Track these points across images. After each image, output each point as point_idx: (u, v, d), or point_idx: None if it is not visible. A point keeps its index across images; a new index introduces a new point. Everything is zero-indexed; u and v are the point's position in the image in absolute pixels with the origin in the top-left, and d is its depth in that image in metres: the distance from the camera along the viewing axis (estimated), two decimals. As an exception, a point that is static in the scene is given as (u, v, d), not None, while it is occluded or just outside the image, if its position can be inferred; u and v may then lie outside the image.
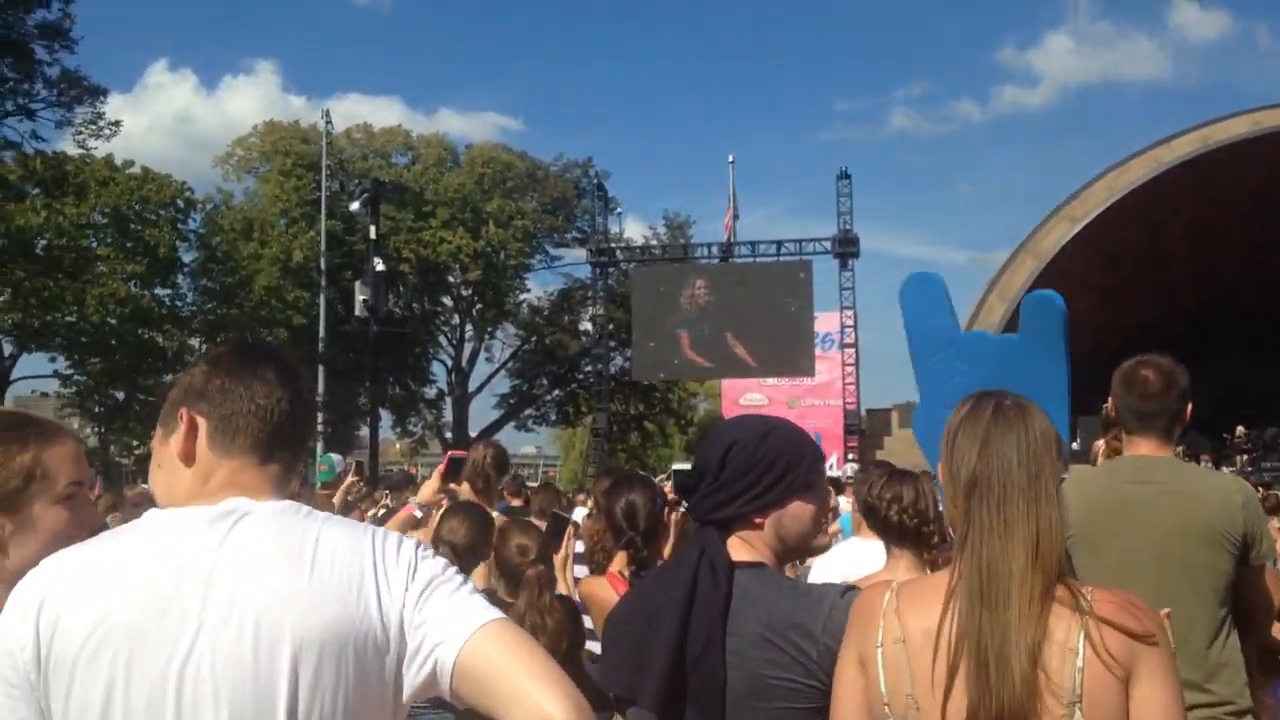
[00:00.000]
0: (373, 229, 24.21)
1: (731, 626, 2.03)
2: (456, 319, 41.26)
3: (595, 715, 1.50)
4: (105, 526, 1.72)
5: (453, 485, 4.61)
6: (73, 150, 27.13)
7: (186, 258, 30.77)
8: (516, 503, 7.94)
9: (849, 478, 8.80)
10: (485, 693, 1.49)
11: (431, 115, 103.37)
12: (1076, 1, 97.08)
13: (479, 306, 40.10)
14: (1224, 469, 22.99)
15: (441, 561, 1.61)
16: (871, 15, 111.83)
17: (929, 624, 1.78)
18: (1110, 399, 3.49)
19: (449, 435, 39.36)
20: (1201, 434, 24.25)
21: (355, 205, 26.33)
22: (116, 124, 27.64)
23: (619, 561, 3.69)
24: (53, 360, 28.03)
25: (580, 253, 37.66)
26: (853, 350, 28.83)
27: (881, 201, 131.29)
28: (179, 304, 30.31)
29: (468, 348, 41.40)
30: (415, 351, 38.70)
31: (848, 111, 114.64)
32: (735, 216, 30.87)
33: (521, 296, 40.91)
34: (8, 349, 27.87)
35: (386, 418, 38.41)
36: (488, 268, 37.38)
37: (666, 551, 3.60)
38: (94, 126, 26.96)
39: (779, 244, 29.39)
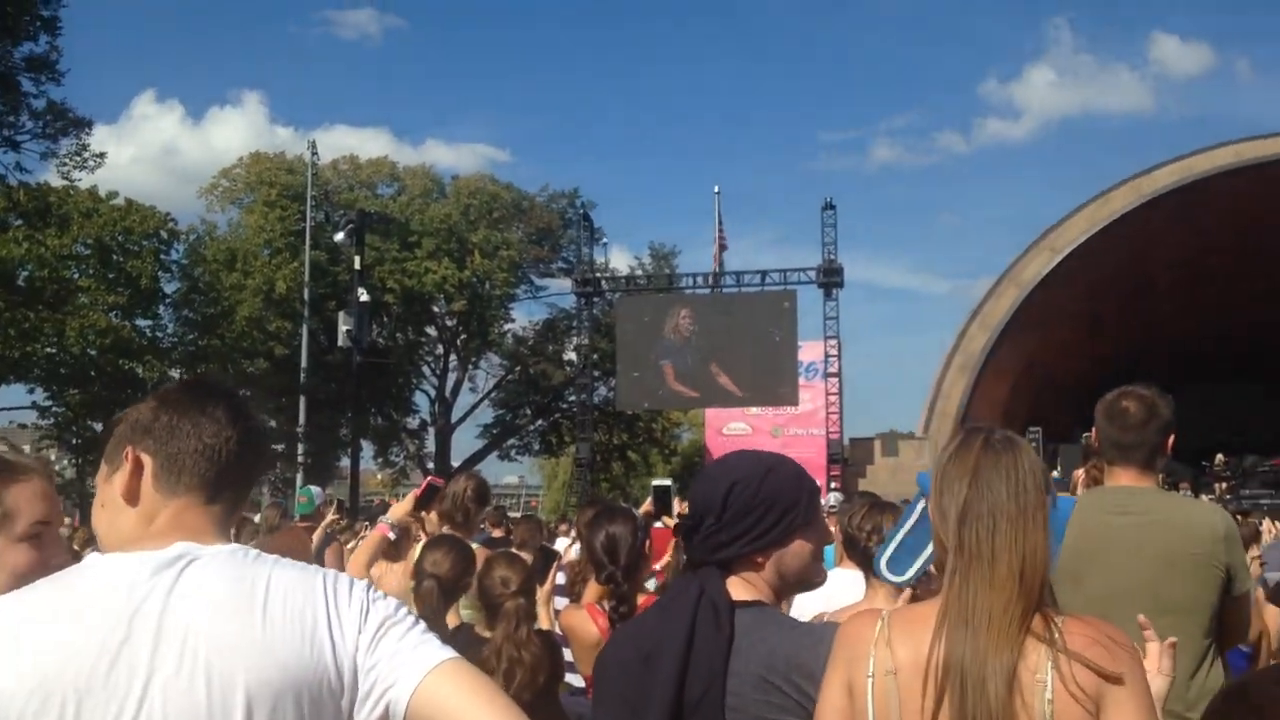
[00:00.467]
0: (357, 259, 24.19)
1: (732, 668, 2.01)
2: (440, 349, 41.15)
3: None
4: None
5: (423, 513, 4.58)
6: (57, 182, 27.12)
7: (169, 288, 30.66)
8: (498, 534, 7.90)
9: (831, 507, 8.78)
10: None
11: (419, 146, 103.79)
12: (1058, 34, 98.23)
13: (463, 337, 40.02)
14: (1203, 497, 23.15)
15: (393, 602, 1.60)
16: (856, 48, 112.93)
17: (919, 654, 1.79)
18: (1093, 429, 3.50)
19: (431, 465, 39.18)
20: (1181, 462, 24.41)
21: (340, 236, 26.24)
22: (101, 155, 27.66)
23: (595, 592, 3.66)
24: (31, 392, 27.86)
25: (565, 283, 37.76)
26: (836, 380, 28.88)
27: (866, 231, 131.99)
28: (160, 335, 30.15)
29: (451, 378, 41.33)
30: (398, 382, 38.58)
31: (832, 142, 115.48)
32: (723, 247, 30.99)
33: (506, 326, 40.87)
34: (-15, 380, 27.66)
35: (368, 448, 38.25)
36: (472, 298, 37.37)
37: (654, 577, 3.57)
38: (79, 158, 26.94)
39: (764, 274, 29.53)
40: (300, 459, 29.12)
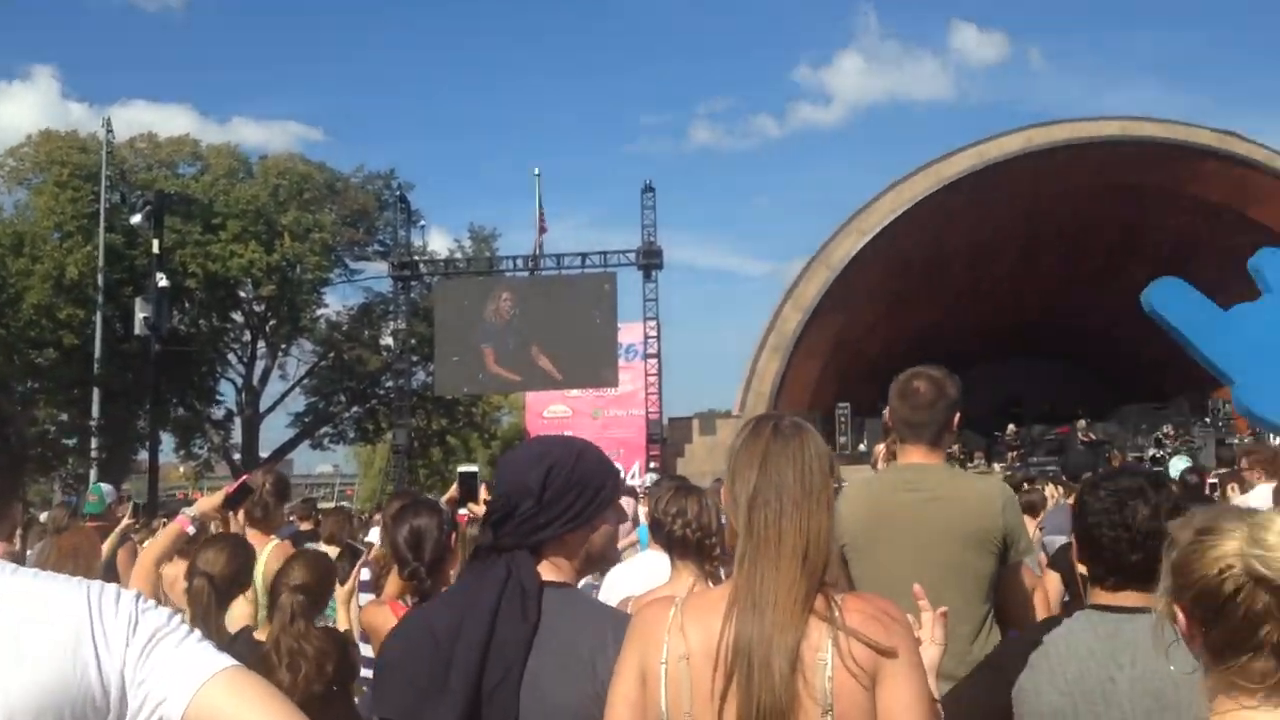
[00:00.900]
0: (155, 243, 23.11)
1: (534, 650, 2.01)
2: (248, 336, 39.51)
3: None
4: None
5: (230, 514, 4.38)
6: None
7: (-52, 275, 28.48)
8: (306, 527, 7.66)
9: (646, 488, 8.88)
10: None
11: (225, 124, 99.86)
12: (866, 21, 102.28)
13: (272, 322, 38.57)
14: (995, 465, 24.62)
15: (165, 612, 1.50)
16: (676, 30, 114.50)
17: (710, 638, 1.83)
18: (887, 408, 3.64)
19: (237, 457, 37.73)
20: (975, 432, 25.89)
21: (137, 218, 24.84)
22: None
23: (397, 587, 3.57)
24: None
25: (382, 266, 36.73)
26: (656, 360, 29.23)
27: (686, 214, 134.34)
28: (-64, 324, 28.00)
29: (259, 365, 39.71)
30: (201, 370, 36.95)
31: (652, 125, 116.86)
32: (543, 230, 30.83)
33: (319, 312, 39.59)
34: None
35: (169, 441, 36.44)
36: (282, 282, 36.03)
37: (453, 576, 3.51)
38: None
39: (584, 256, 29.54)
40: (94, 454, 27.59)
